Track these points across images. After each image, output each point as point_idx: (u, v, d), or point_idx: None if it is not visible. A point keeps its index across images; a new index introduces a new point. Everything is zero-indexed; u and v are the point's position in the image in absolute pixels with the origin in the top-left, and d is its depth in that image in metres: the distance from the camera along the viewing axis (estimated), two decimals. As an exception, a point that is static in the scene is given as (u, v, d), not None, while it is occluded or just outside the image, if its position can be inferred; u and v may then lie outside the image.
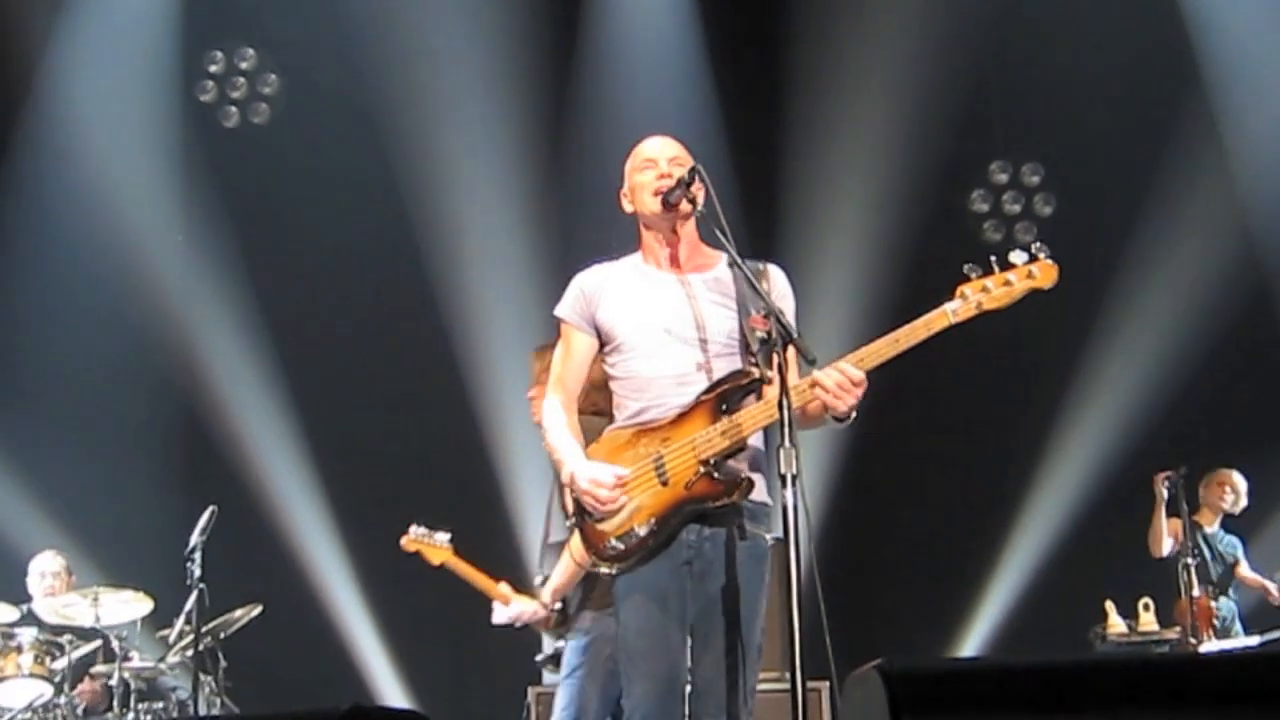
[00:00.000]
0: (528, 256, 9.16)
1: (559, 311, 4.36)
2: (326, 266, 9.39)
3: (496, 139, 9.21)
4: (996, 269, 3.98)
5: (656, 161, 4.25)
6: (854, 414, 3.99)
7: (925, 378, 8.81)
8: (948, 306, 3.97)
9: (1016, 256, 3.99)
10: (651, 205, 4.22)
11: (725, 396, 4.05)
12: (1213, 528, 8.37)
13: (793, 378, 3.95)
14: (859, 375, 3.91)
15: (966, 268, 3.98)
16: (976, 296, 3.96)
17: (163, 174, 9.51)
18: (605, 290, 4.28)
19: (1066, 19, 9.36)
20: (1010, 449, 9.37)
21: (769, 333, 3.97)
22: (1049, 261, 3.99)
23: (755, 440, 4.11)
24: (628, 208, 4.35)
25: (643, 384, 4.18)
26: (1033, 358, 9.44)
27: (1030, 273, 3.98)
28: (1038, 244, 4.03)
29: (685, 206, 4.17)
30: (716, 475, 4.02)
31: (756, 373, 4.02)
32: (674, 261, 4.27)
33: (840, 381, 3.89)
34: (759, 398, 4.03)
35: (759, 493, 4.13)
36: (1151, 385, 9.06)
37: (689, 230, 4.27)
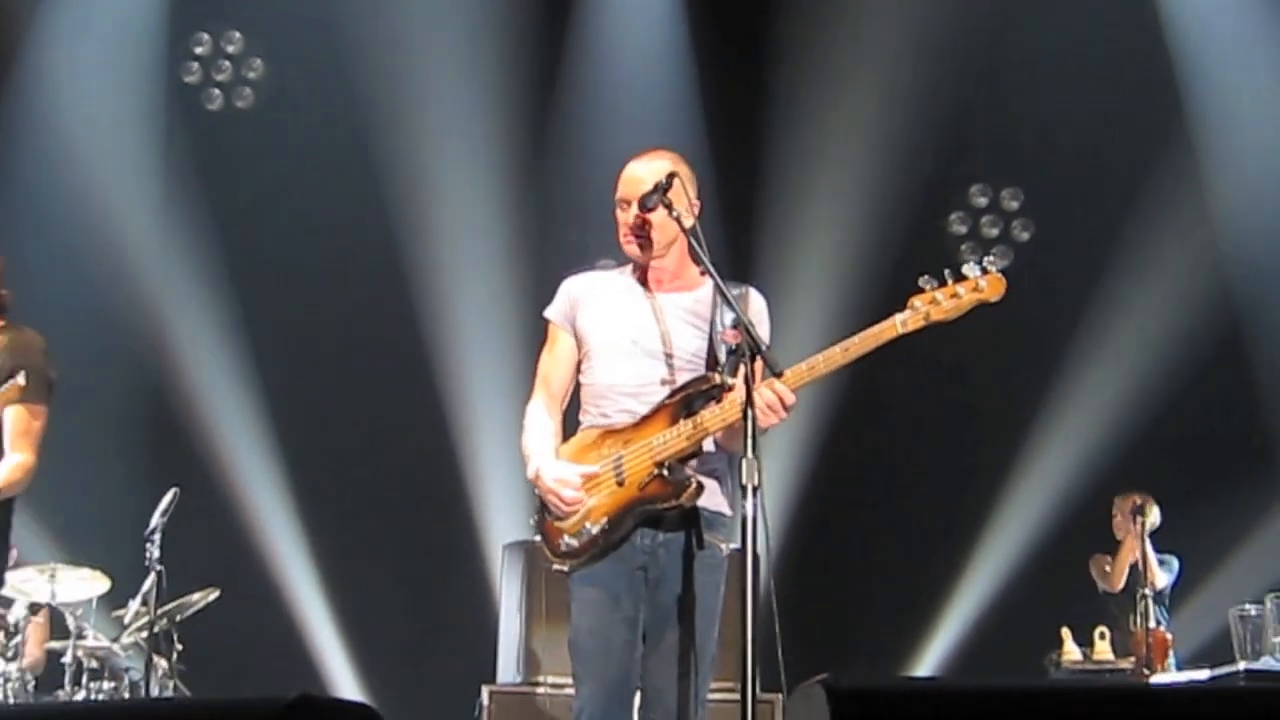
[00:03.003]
0: (506, 254, 9.17)
1: (547, 313, 4.44)
2: (303, 255, 9.34)
3: (480, 134, 9.21)
4: (950, 281, 4.01)
5: (629, 202, 4.26)
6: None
7: (890, 398, 8.83)
8: (897, 317, 4.00)
9: (969, 269, 4.01)
10: (624, 248, 4.29)
11: (687, 401, 4.09)
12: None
13: (760, 392, 3.96)
14: (791, 398, 3.92)
15: (921, 280, 4.01)
16: (925, 308, 4.00)
17: (143, 154, 9.44)
18: (588, 298, 4.36)
19: (1052, 47, 9.40)
20: (974, 471, 9.40)
21: (738, 344, 3.99)
22: (998, 275, 4.02)
23: (712, 447, 4.13)
24: None
25: (603, 391, 4.25)
26: (1000, 381, 9.47)
27: (978, 285, 4.00)
28: (990, 258, 4.06)
29: (663, 228, 4.19)
30: (667, 477, 4.05)
31: (718, 379, 4.05)
32: (653, 280, 4.33)
33: (771, 401, 3.91)
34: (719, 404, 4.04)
35: (717, 502, 4.17)
36: (1117, 415, 9.11)
37: (674, 251, 4.29)
